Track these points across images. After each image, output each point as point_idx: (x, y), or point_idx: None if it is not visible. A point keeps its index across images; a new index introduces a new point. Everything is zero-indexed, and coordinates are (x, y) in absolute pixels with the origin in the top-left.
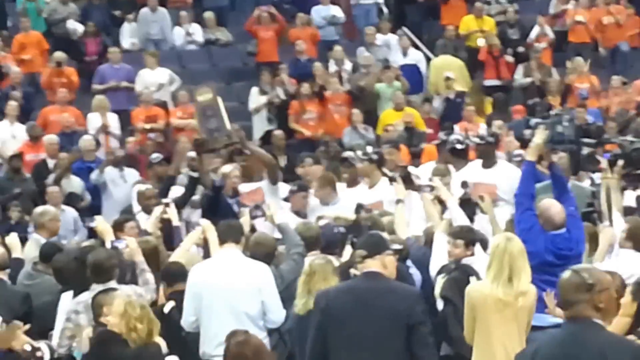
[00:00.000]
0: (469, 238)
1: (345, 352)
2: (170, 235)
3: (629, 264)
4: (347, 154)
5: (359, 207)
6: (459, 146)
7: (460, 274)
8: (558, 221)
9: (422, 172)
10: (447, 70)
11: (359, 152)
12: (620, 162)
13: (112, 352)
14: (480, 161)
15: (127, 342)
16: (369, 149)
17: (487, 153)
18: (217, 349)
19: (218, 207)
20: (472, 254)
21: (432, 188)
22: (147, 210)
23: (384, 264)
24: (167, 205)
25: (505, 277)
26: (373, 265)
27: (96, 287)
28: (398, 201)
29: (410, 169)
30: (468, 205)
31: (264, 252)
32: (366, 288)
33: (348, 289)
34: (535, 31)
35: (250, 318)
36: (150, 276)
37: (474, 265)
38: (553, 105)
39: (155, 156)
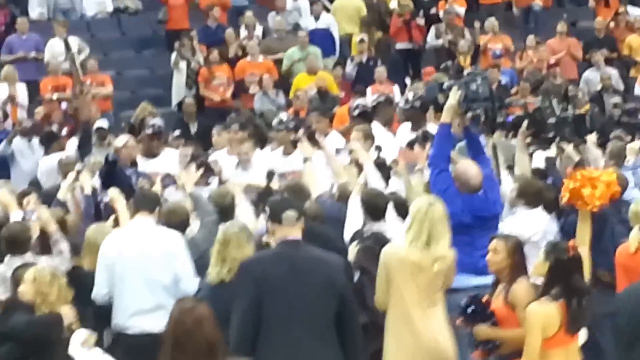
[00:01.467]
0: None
1: (278, 321)
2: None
3: (528, 222)
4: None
5: (270, 175)
6: (356, 112)
7: (373, 243)
8: (475, 184)
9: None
10: (345, 11)
11: (276, 121)
12: (524, 124)
13: (11, 319)
14: (409, 124)
15: (33, 311)
16: (284, 115)
17: (414, 118)
18: (130, 320)
19: (114, 180)
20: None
21: (351, 151)
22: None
23: (299, 230)
24: (78, 172)
25: (423, 241)
26: (295, 233)
27: (11, 259)
28: (305, 160)
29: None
30: (382, 169)
31: (177, 220)
32: (300, 257)
33: (280, 258)
34: None
35: (163, 287)
36: (64, 245)
37: (387, 231)
38: (463, 66)
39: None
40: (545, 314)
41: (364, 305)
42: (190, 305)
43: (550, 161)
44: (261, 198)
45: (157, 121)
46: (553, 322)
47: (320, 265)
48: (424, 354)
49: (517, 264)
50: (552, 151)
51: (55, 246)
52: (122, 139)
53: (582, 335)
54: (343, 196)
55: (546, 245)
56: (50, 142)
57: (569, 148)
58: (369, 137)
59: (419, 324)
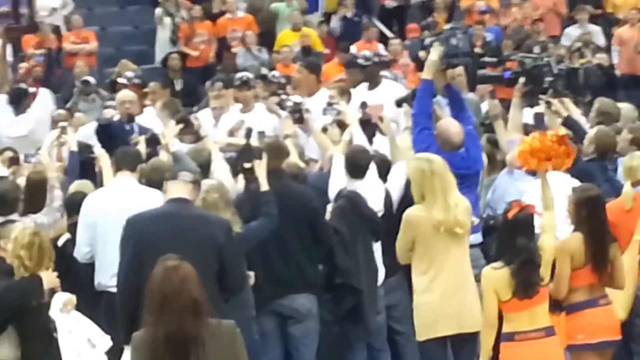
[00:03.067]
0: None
1: None
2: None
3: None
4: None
5: (249, 132)
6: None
7: (345, 202)
8: (457, 142)
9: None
10: None
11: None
12: (522, 80)
13: None
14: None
15: (12, 273)
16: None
17: (371, 74)
18: (113, 279)
19: (111, 140)
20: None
21: (338, 112)
22: None
23: (189, 191)
24: (63, 128)
25: (442, 199)
26: (184, 192)
27: None
28: (286, 136)
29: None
30: (367, 126)
31: (160, 178)
32: (181, 215)
33: (162, 215)
34: None
35: None
36: (58, 193)
37: (363, 189)
38: (438, 22)
39: None
40: (496, 277)
41: (334, 266)
42: (175, 263)
43: (538, 117)
44: (241, 156)
45: (130, 74)
46: (505, 286)
47: (202, 223)
48: (451, 306)
49: None
50: (541, 107)
51: (50, 192)
52: (122, 94)
53: None
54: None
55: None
56: (19, 100)
57: (556, 103)
58: (344, 93)
59: (448, 278)
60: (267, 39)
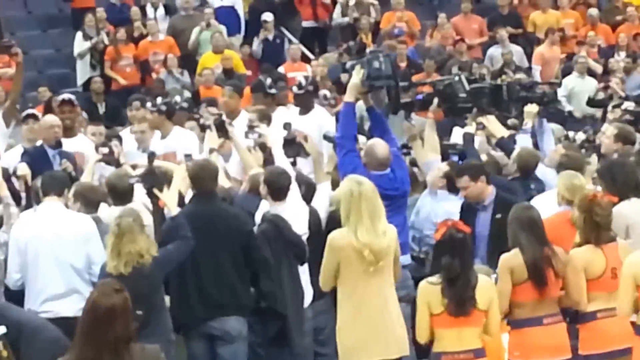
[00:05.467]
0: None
1: None
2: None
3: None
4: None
5: (152, 155)
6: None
7: (269, 226)
8: (383, 159)
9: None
10: None
11: (149, 104)
12: (435, 101)
13: None
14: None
15: None
16: (159, 100)
17: (303, 101)
18: (43, 305)
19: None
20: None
21: (260, 135)
22: None
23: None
24: None
25: (367, 222)
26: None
27: None
28: (211, 150)
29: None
30: (291, 146)
31: (94, 199)
32: None
33: None
34: None
35: (76, 271)
36: (14, 210)
37: (285, 212)
38: (366, 44)
39: None
40: (430, 291)
41: (259, 290)
42: (109, 291)
43: (467, 137)
44: (145, 180)
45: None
46: (438, 301)
47: None
48: (375, 332)
49: None
50: (471, 127)
51: (6, 209)
52: (50, 119)
53: None
54: (254, 188)
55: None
56: None
57: (490, 124)
58: (264, 117)
59: (371, 303)
60: (189, 61)
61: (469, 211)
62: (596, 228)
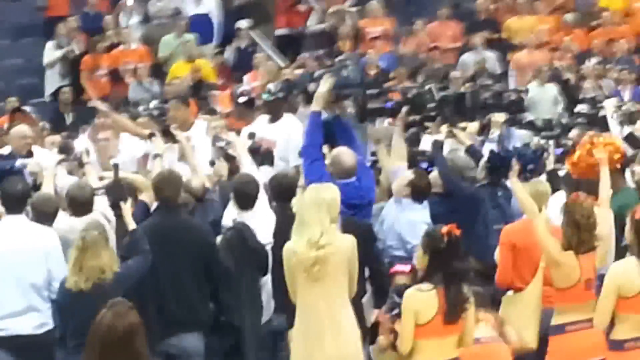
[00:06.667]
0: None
1: None
2: None
3: None
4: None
5: (116, 167)
6: (241, 99)
7: (233, 234)
8: (349, 167)
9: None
10: None
11: (140, 108)
12: (404, 109)
13: None
14: (267, 116)
15: None
16: (152, 103)
17: (273, 108)
18: (1, 323)
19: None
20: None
21: (228, 142)
22: None
23: None
24: None
25: (300, 231)
26: None
27: None
28: (156, 156)
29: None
30: (255, 156)
31: (47, 212)
32: None
33: None
34: None
35: (35, 288)
36: None
37: (252, 221)
38: (344, 51)
39: None
40: (420, 299)
41: (219, 303)
42: (123, 310)
43: (437, 144)
44: (109, 192)
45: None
46: (428, 308)
47: None
48: (320, 348)
49: None
50: (441, 135)
51: None
52: (22, 129)
53: None
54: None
55: (422, 236)
56: None
57: (460, 133)
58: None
59: (312, 313)
60: (162, 70)
61: None
62: (577, 231)
